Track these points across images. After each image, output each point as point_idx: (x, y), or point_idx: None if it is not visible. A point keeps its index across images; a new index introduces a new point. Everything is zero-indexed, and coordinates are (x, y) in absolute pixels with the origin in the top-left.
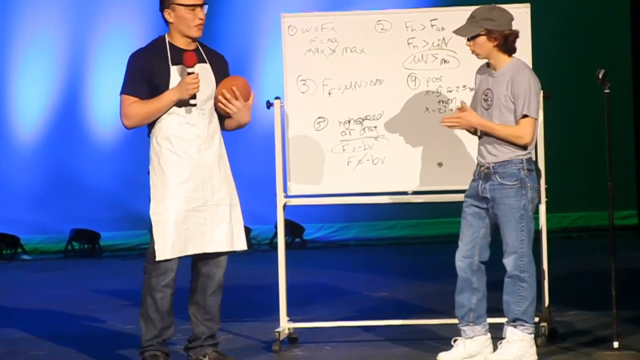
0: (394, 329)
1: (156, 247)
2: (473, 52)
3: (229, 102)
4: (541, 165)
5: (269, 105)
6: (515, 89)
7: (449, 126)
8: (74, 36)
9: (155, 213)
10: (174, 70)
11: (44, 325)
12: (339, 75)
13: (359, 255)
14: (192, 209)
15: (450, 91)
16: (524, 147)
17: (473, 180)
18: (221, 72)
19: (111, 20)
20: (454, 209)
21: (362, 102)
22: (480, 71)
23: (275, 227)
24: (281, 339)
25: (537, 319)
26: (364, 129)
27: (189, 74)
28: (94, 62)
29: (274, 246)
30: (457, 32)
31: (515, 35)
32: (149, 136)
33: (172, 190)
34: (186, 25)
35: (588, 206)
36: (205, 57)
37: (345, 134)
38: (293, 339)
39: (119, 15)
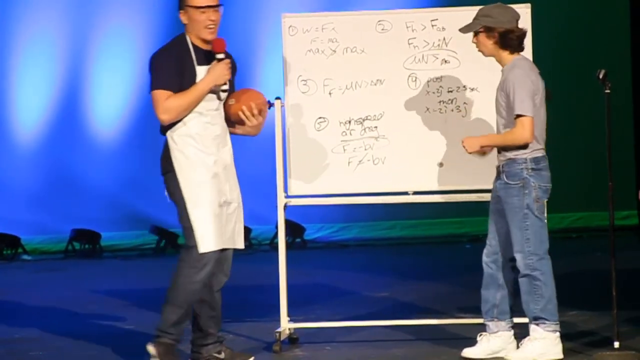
0: (394, 329)
1: (199, 241)
2: (479, 50)
3: (252, 116)
4: None
5: (270, 105)
6: (506, 89)
7: (470, 152)
8: (74, 36)
9: (194, 209)
10: (200, 71)
11: (44, 326)
12: (340, 76)
13: (359, 255)
14: (223, 204)
15: (451, 91)
16: (525, 146)
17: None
18: (232, 74)
19: (111, 20)
20: (455, 209)
21: (362, 102)
22: None
23: (276, 227)
24: (282, 339)
25: None
26: (364, 129)
27: (218, 60)
28: (94, 62)
29: (274, 246)
30: (461, 29)
31: (517, 33)
32: (164, 134)
33: (206, 185)
34: (198, 27)
35: (588, 206)
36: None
37: (346, 134)
38: (293, 339)
39: (119, 15)
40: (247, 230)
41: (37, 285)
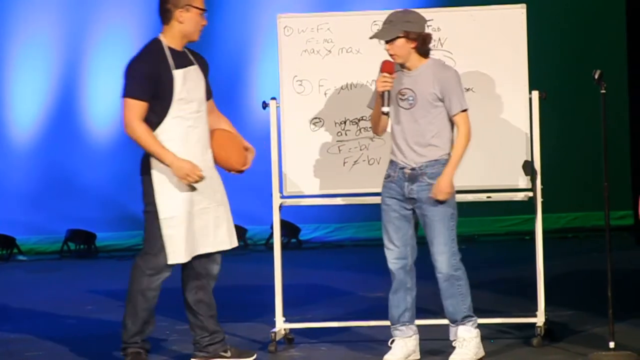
0: (389, 329)
1: (168, 251)
2: (392, 55)
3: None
4: (537, 165)
5: (265, 105)
6: (445, 87)
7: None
8: (70, 37)
9: (167, 218)
10: (177, 75)
11: (41, 326)
12: (335, 76)
13: (355, 255)
14: (198, 211)
15: None
16: (448, 147)
17: (391, 182)
18: (205, 72)
19: (107, 21)
20: None
21: (358, 102)
22: None
23: (271, 227)
24: (277, 339)
25: (532, 320)
26: (359, 129)
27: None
28: (90, 62)
29: (269, 247)
30: (377, 36)
31: (430, 37)
32: None
33: (181, 194)
34: (194, 28)
35: (584, 206)
36: (193, 60)
37: (341, 134)
38: (289, 339)
39: (116, 16)
40: (243, 231)
41: (33, 286)
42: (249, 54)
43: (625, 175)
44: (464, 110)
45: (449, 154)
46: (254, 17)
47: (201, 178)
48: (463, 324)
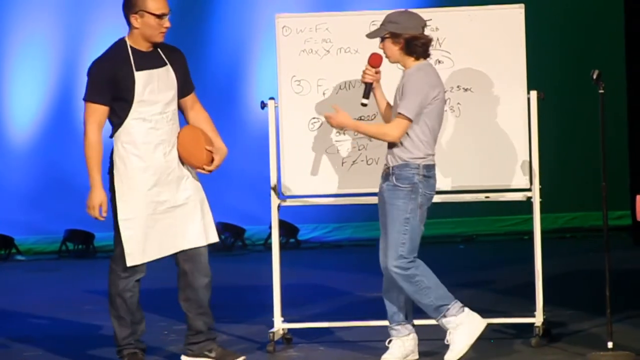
0: (388, 329)
1: (127, 252)
2: (385, 55)
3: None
4: (535, 165)
5: (263, 105)
6: (404, 88)
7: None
8: (68, 36)
9: (125, 219)
10: (139, 77)
11: (39, 326)
12: (333, 76)
13: (353, 255)
14: (161, 212)
15: (445, 91)
16: (422, 151)
17: (381, 178)
18: (181, 68)
19: (106, 21)
20: (448, 209)
21: (356, 102)
22: None
23: (270, 227)
24: (275, 339)
25: (531, 320)
26: None
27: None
28: (89, 62)
29: (268, 247)
30: (367, 35)
31: (423, 40)
32: (111, 137)
33: (140, 196)
34: (152, 32)
35: (582, 206)
36: (165, 59)
37: (340, 134)
38: (287, 339)
39: (114, 15)
40: (241, 231)
41: (31, 286)
42: (248, 54)
43: (623, 175)
44: (406, 118)
45: (421, 158)
46: (253, 17)
47: (98, 219)
48: (444, 317)
